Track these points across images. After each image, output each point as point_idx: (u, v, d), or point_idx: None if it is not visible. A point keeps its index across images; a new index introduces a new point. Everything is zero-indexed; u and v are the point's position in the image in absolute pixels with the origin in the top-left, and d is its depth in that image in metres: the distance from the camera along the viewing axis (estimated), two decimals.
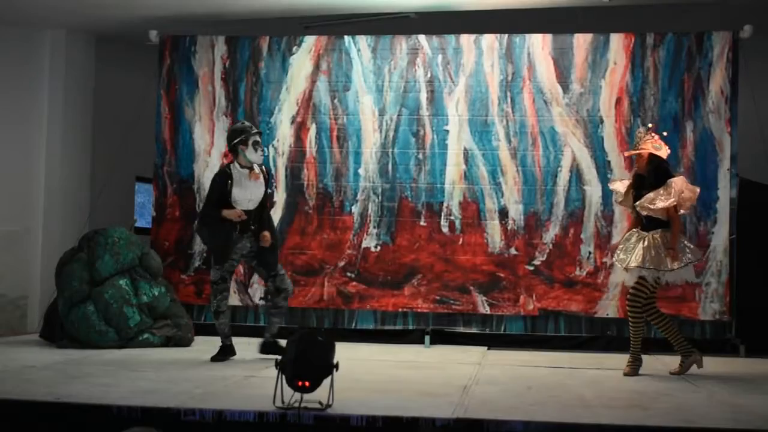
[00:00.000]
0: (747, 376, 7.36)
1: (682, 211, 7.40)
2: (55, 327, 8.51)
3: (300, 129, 9.58)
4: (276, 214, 9.47)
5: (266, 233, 7.73)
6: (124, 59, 10.82)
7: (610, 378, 7.12)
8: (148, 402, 5.47)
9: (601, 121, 9.20)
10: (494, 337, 9.23)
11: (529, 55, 9.33)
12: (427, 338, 9.15)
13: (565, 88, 9.27)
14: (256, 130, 7.79)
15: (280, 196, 9.54)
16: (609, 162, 9.13)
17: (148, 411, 5.27)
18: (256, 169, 7.73)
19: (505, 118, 9.31)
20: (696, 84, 9.12)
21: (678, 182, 7.20)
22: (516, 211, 9.24)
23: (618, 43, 9.24)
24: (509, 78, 9.34)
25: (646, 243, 7.15)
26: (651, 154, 7.25)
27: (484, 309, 9.21)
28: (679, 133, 9.09)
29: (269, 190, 8.13)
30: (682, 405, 5.84)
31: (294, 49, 9.65)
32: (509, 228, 9.24)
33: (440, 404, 5.57)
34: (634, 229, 7.39)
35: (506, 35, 9.38)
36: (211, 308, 7.87)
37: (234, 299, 9.47)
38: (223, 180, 7.66)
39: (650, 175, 7.24)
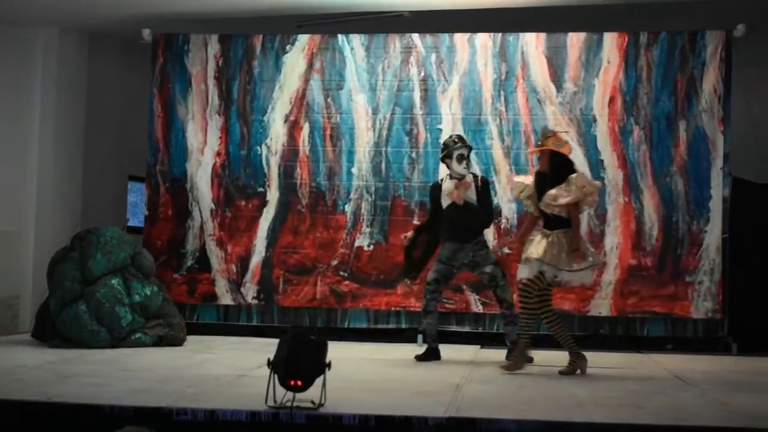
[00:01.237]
0: (739, 375, 7.36)
1: (585, 208, 7.37)
2: (47, 326, 8.47)
3: (293, 128, 9.57)
4: (269, 213, 9.49)
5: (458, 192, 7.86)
6: (117, 58, 10.82)
7: (603, 376, 7.12)
8: (140, 401, 5.45)
9: (595, 120, 9.21)
10: (487, 335, 9.24)
11: (522, 53, 9.33)
12: (419, 337, 9.11)
13: (559, 87, 9.27)
14: (460, 144, 7.93)
15: (272, 195, 9.53)
16: (602, 161, 9.14)
17: (140, 410, 5.24)
18: (468, 179, 7.87)
19: (499, 116, 9.32)
20: (689, 83, 9.13)
21: (579, 178, 7.19)
22: (509, 210, 9.25)
23: (611, 42, 9.25)
24: (503, 77, 9.34)
25: (550, 239, 7.14)
26: (552, 152, 7.22)
27: (477, 308, 9.21)
28: (672, 132, 9.10)
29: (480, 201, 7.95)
30: (675, 403, 5.84)
31: (287, 47, 9.64)
32: (502, 227, 9.24)
33: (433, 403, 5.56)
34: (538, 230, 7.36)
35: (500, 34, 9.39)
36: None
37: (226, 298, 9.49)
38: (434, 192, 8.06)
39: (552, 173, 7.22)
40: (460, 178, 7.88)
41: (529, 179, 7.47)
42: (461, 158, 7.87)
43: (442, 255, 7.95)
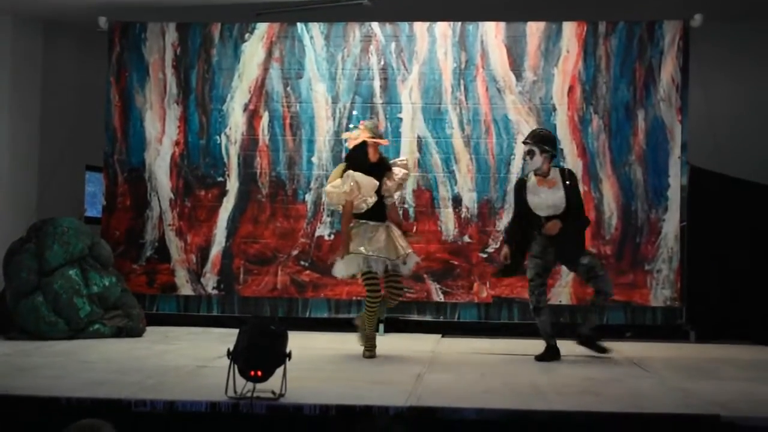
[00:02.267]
0: (697, 362, 7.44)
1: (364, 202, 7.30)
2: (3, 318, 8.37)
3: (252, 117, 9.50)
4: (228, 203, 9.43)
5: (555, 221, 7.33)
6: (73, 46, 10.67)
7: (563, 365, 7.16)
8: (98, 393, 5.40)
9: (554, 109, 9.24)
10: (448, 324, 9.26)
11: (482, 43, 9.34)
12: (381, 326, 9.11)
13: (518, 76, 9.29)
14: (528, 140, 7.48)
15: (232, 185, 9.46)
16: (562, 150, 9.15)
17: (98, 402, 5.20)
18: (553, 175, 7.42)
19: (459, 105, 9.32)
20: (647, 72, 9.19)
21: (356, 174, 7.22)
22: (470, 199, 9.26)
23: (570, 32, 9.28)
24: (462, 66, 9.34)
25: (386, 232, 7.30)
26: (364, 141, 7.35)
27: (438, 297, 9.22)
28: (630, 121, 9.16)
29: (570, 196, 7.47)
30: (634, 390, 5.89)
31: (246, 36, 9.56)
32: (463, 216, 9.25)
33: (394, 393, 5.56)
34: (366, 221, 7.34)
35: (459, 23, 9.38)
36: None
37: (186, 289, 9.43)
38: (517, 188, 7.63)
39: (378, 162, 7.37)
40: (543, 176, 7.42)
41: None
42: (528, 154, 7.43)
43: (535, 250, 7.46)
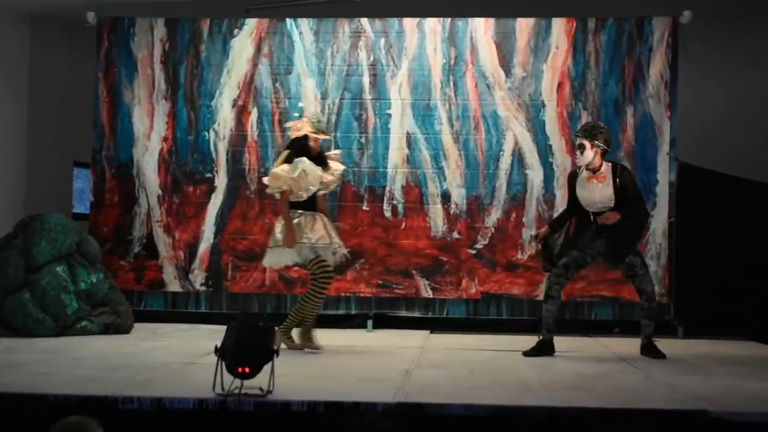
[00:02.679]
0: (685, 357, 7.45)
1: (306, 191, 7.33)
2: None
3: (241, 113, 9.47)
4: (217, 199, 9.41)
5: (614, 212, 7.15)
6: (61, 41, 10.62)
7: (552, 360, 7.16)
8: (85, 391, 5.37)
9: (543, 106, 9.24)
10: (437, 320, 9.26)
11: (471, 39, 9.33)
12: (369, 323, 9.13)
13: (508, 72, 9.29)
14: (579, 134, 7.35)
15: (221, 181, 9.44)
16: (551, 146, 9.17)
17: (85, 400, 5.17)
18: (604, 170, 7.24)
19: (448, 102, 9.31)
20: (636, 69, 9.20)
21: (306, 162, 7.26)
22: (458, 195, 9.25)
23: (560, 28, 9.28)
24: (452, 62, 9.34)
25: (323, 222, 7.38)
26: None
27: (427, 293, 9.22)
28: (619, 117, 9.17)
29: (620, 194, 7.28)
30: (622, 386, 5.90)
31: (235, 31, 9.53)
32: (452, 212, 9.25)
33: (382, 389, 5.55)
34: (303, 211, 7.37)
35: (449, 19, 9.37)
36: None
37: (174, 285, 9.41)
38: (569, 179, 7.54)
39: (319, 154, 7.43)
40: (594, 171, 7.26)
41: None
42: (579, 148, 7.29)
43: (579, 241, 7.35)
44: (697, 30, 9.20)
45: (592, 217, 7.31)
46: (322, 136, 7.48)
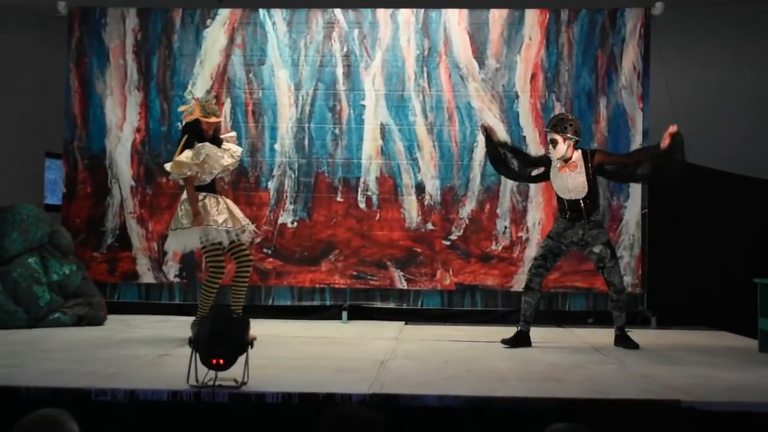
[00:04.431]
0: (658, 347, 7.50)
1: (210, 175, 7.31)
2: None
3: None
4: None
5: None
6: (31, 31, 10.50)
7: (527, 351, 7.19)
8: (58, 383, 5.33)
9: (517, 97, 9.26)
10: (411, 312, 9.28)
11: (445, 30, 9.34)
12: (344, 314, 9.13)
13: (481, 63, 9.30)
14: (547, 129, 7.44)
15: None
16: (525, 137, 9.20)
17: (57, 392, 5.13)
18: (575, 158, 7.29)
19: (422, 93, 9.31)
20: (609, 60, 9.24)
21: (207, 147, 7.25)
22: (432, 186, 9.26)
23: (533, 19, 9.30)
24: (425, 53, 9.33)
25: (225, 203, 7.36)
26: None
27: (402, 284, 9.23)
28: (592, 108, 9.22)
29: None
30: (595, 376, 5.92)
31: (208, 22, 9.49)
32: (426, 203, 9.26)
33: (356, 380, 5.55)
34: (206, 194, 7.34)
35: (422, 10, 9.37)
36: None
37: (148, 277, 9.36)
38: (544, 159, 7.53)
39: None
40: (566, 161, 7.33)
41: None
42: (552, 143, 7.34)
43: (553, 230, 7.48)
44: (670, 21, 9.25)
45: (566, 204, 7.37)
46: (213, 119, 7.36)
